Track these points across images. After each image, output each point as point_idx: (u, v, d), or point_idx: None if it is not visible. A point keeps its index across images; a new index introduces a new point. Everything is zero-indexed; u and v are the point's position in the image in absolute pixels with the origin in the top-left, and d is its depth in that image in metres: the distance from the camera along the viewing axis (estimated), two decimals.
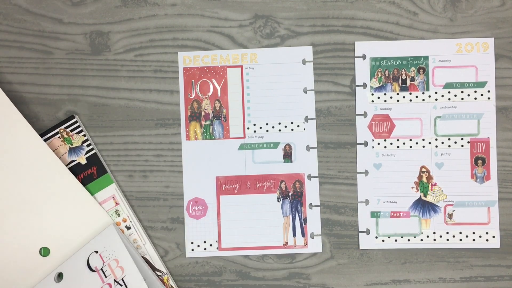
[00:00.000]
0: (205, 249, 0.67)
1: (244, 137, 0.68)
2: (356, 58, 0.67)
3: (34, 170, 0.64)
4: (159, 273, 0.66)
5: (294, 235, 0.67)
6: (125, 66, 0.68)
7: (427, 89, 0.67)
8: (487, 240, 0.66)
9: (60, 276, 0.63)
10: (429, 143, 0.67)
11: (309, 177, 0.67)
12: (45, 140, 0.66)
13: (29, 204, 0.63)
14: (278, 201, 0.67)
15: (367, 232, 0.67)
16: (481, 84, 0.67)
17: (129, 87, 0.68)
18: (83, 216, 0.64)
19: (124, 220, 0.67)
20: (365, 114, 0.67)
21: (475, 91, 0.67)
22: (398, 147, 0.67)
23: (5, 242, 0.63)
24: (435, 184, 0.66)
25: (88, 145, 0.67)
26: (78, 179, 0.66)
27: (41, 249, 0.63)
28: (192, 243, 0.67)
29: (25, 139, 0.64)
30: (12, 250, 0.63)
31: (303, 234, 0.67)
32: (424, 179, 0.67)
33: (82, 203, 0.64)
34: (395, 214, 0.67)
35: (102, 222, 0.65)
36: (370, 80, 0.67)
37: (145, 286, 0.62)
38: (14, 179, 0.63)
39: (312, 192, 0.67)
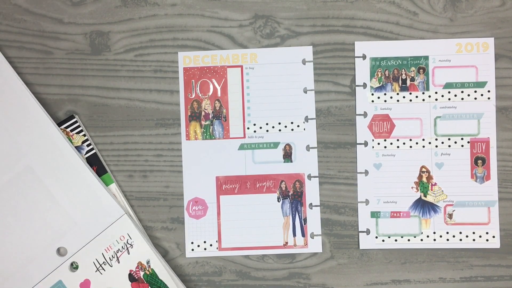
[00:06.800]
0: (205, 249, 0.67)
1: (244, 137, 0.68)
2: (356, 58, 0.67)
3: (49, 160, 0.64)
4: None
5: (294, 235, 0.67)
6: (125, 66, 0.68)
7: (427, 89, 0.67)
8: (487, 240, 0.66)
9: (74, 265, 0.63)
10: (429, 143, 0.67)
11: (309, 177, 0.67)
12: None
13: (43, 194, 0.64)
14: (278, 201, 0.67)
15: (367, 232, 0.67)
16: (481, 84, 0.67)
17: (129, 87, 0.68)
18: (96, 207, 0.65)
19: None
20: (365, 114, 0.67)
21: (475, 91, 0.67)
22: (398, 147, 0.67)
23: (20, 234, 0.64)
24: (435, 184, 0.67)
25: (88, 145, 0.67)
26: None
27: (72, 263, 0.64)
28: (192, 243, 0.67)
29: (42, 129, 0.65)
30: (27, 243, 0.64)
31: (303, 234, 0.67)
32: (424, 179, 0.67)
33: (95, 194, 0.65)
34: (395, 214, 0.67)
35: (115, 213, 0.65)
36: (370, 80, 0.67)
37: (165, 269, 0.63)
38: (27, 167, 0.64)
39: (312, 192, 0.67)
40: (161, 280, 0.63)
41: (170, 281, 0.64)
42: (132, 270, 0.64)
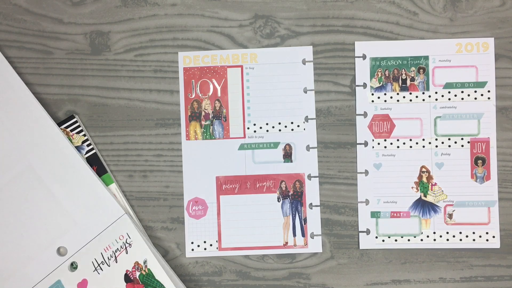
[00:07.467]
0: (205, 249, 0.67)
1: (244, 137, 0.68)
2: (356, 58, 0.67)
3: (49, 159, 0.65)
4: None
5: (294, 235, 0.67)
6: (125, 66, 0.68)
7: (427, 89, 0.67)
8: (487, 240, 0.66)
9: (74, 265, 0.63)
10: (429, 143, 0.67)
11: (309, 177, 0.67)
12: None
13: (43, 193, 0.64)
14: (278, 201, 0.67)
15: (367, 232, 0.67)
16: (481, 84, 0.67)
17: (129, 87, 0.68)
18: (96, 206, 0.65)
19: None
20: (365, 114, 0.67)
21: (475, 91, 0.67)
22: (398, 147, 0.67)
23: (20, 234, 0.64)
24: (435, 184, 0.67)
25: (88, 145, 0.67)
26: None
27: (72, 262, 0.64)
28: (192, 243, 0.67)
29: (43, 128, 0.65)
30: (27, 242, 0.64)
31: (303, 234, 0.67)
32: (424, 179, 0.67)
33: (95, 193, 0.65)
34: (395, 214, 0.67)
35: (115, 212, 0.65)
36: (370, 80, 0.67)
37: (162, 269, 0.63)
38: (29, 168, 0.64)
39: (312, 192, 0.67)
40: (157, 281, 0.63)
41: (167, 281, 0.64)
42: (129, 271, 0.64)
